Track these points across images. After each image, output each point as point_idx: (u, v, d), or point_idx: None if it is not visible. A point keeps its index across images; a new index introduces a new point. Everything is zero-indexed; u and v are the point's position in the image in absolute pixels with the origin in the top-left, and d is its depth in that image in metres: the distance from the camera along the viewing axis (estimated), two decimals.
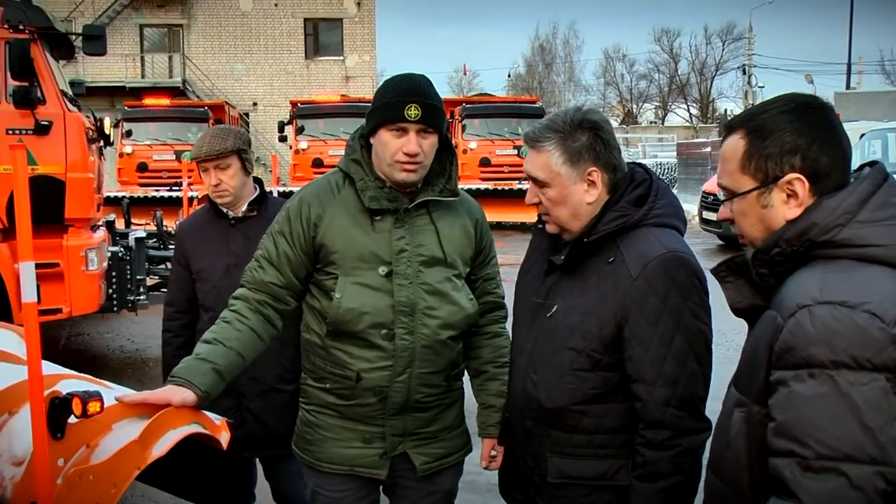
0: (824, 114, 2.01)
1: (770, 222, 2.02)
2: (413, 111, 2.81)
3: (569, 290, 2.62)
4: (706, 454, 2.49)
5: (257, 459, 4.17)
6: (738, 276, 2.09)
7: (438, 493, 3.17)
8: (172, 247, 10.40)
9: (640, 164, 2.74)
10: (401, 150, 2.84)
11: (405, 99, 2.83)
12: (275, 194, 4.50)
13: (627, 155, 38.56)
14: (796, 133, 1.97)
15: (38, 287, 7.02)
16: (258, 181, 4.05)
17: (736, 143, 2.05)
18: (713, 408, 2.52)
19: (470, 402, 3.20)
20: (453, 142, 22.95)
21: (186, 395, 2.75)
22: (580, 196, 2.59)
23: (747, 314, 2.10)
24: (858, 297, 1.79)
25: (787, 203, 1.99)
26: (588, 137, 2.56)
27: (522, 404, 2.69)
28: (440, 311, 2.95)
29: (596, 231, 2.56)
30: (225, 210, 3.94)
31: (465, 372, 3.22)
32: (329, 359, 2.99)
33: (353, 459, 3.03)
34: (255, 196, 3.96)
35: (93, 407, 2.60)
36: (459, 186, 3.08)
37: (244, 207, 3.93)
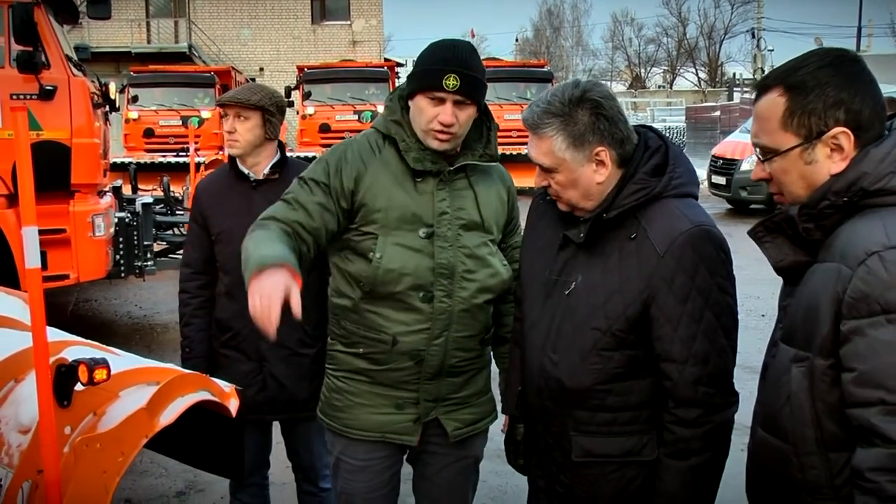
0: (861, 66, 2.00)
1: (813, 178, 2.01)
2: (452, 81, 2.77)
3: (587, 267, 2.55)
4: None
5: (273, 426, 4.15)
6: (776, 235, 2.08)
7: (468, 459, 3.18)
8: (180, 212, 10.41)
9: (652, 129, 2.65)
10: (436, 118, 2.81)
11: (445, 68, 2.79)
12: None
13: (636, 119, 38.41)
14: (839, 87, 1.96)
15: (44, 253, 7.07)
16: (280, 144, 4.01)
17: (774, 101, 2.03)
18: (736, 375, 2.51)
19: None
20: None
21: (295, 293, 2.45)
22: (589, 177, 2.51)
23: (789, 272, 2.09)
24: None
25: (830, 157, 1.98)
26: (589, 117, 2.47)
27: (540, 383, 2.63)
28: (478, 274, 2.94)
29: (616, 206, 2.47)
30: (246, 172, 3.90)
31: None
32: (363, 323, 2.96)
33: (385, 426, 3.01)
34: (276, 159, 3.93)
35: (99, 374, 2.56)
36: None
37: (266, 170, 3.89)
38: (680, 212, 2.45)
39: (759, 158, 2.11)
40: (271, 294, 2.43)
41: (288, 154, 4.07)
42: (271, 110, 3.87)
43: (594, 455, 2.56)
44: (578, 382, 2.53)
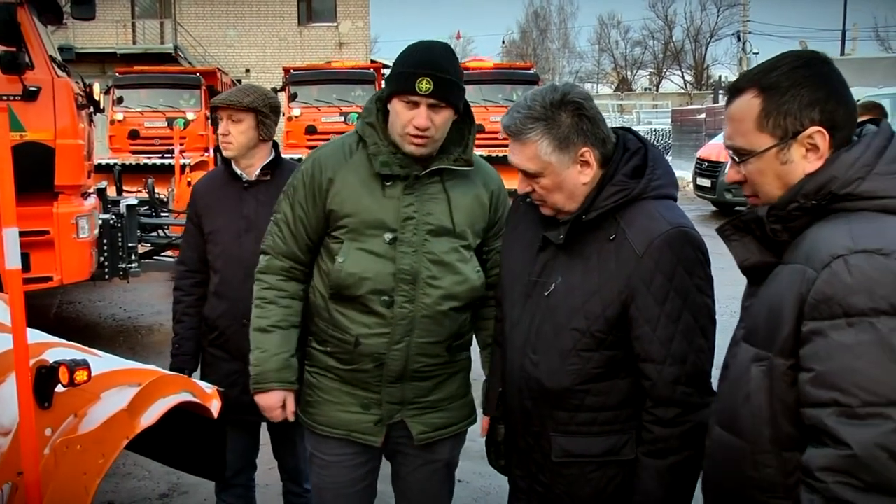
0: (832, 68, 2.02)
1: (789, 178, 2.01)
2: (424, 85, 2.76)
3: (567, 269, 2.56)
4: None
5: (262, 428, 4.14)
6: (744, 234, 2.08)
7: (437, 463, 3.16)
8: (164, 214, 10.38)
9: (630, 130, 2.67)
10: (411, 122, 2.79)
11: (418, 71, 2.77)
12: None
13: (623, 121, 38.49)
14: (813, 87, 1.97)
15: (28, 255, 7.03)
16: (274, 145, 4.00)
17: (749, 103, 2.04)
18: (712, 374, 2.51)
19: (476, 372, 3.17)
20: None
21: (290, 400, 3.10)
22: (575, 179, 2.53)
23: (753, 271, 2.10)
24: (891, 246, 1.80)
25: (805, 157, 1.99)
26: (572, 118, 2.49)
27: (520, 383, 2.65)
28: (443, 281, 2.92)
29: (595, 207, 2.49)
30: (239, 172, 3.90)
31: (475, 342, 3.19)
32: (331, 322, 2.98)
33: (349, 424, 3.02)
34: (269, 160, 3.92)
35: (80, 375, 2.56)
36: (477, 153, 3.04)
37: (257, 171, 3.89)
38: (658, 213, 2.46)
39: (733, 160, 2.12)
40: (272, 409, 3.10)
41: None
42: (265, 111, 3.86)
43: (574, 455, 2.57)
44: (558, 383, 2.54)
